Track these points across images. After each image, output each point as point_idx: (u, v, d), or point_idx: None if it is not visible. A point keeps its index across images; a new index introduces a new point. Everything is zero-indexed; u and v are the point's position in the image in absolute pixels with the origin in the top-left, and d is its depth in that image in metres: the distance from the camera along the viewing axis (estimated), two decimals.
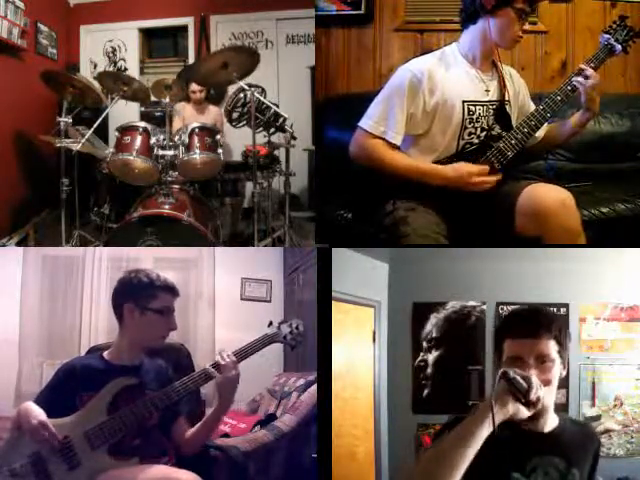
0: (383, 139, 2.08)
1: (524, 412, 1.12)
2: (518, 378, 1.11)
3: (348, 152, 2.19)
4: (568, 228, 1.99)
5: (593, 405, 2.70)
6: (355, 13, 3.37)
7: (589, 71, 2.05)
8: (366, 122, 2.12)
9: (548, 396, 1.20)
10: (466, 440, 1.06)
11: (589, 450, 1.28)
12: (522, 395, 1.11)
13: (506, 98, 2.17)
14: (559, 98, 2.09)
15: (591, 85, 2.04)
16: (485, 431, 1.06)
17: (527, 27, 2.06)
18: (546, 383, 1.19)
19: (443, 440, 1.09)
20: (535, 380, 1.13)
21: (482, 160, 2.07)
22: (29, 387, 3.40)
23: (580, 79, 2.05)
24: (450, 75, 2.10)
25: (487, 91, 2.14)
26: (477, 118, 2.11)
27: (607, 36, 2.14)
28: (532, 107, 2.27)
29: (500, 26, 2.04)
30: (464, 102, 2.09)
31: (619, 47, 2.13)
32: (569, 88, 2.09)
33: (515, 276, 2.73)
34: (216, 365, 1.61)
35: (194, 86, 4.24)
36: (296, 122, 3.64)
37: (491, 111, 2.14)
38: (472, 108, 2.10)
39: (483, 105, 2.12)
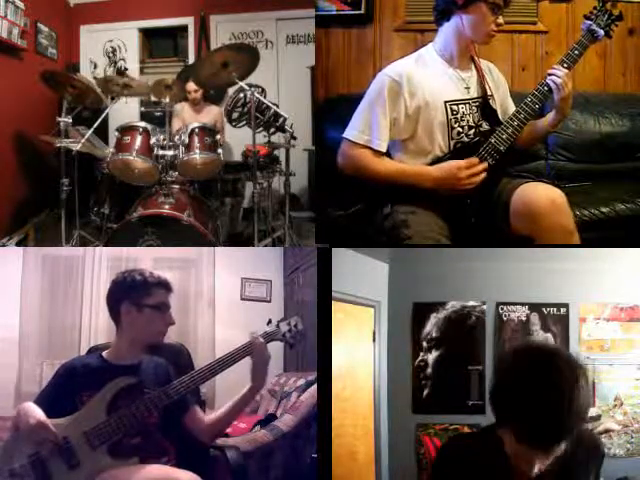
0: (369, 148, 2.07)
1: None
2: None
3: None
4: (559, 227, 1.98)
5: (593, 405, 2.70)
6: (355, 13, 3.37)
7: (561, 71, 2.04)
8: (350, 132, 2.10)
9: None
10: None
11: (594, 463, 1.21)
12: None
13: (488, 93, 2.16)
14: (546, 88, 2.07)
15: (563, 84, 2.02)
16: None
17: (501, 21, 2.04)
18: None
19: None
20: None
21: (475, 157, 2.06)
22: (29, 387, 3.40)
23: (553, 78, 2.04)
24: (429, 76, 2.09)
25: (467, 88, 2.13)
26: (462, 117, 2.11)
27: (589, 22, 2.12)
28: (511, 104, 2.26)
29: (473, 21, 2.03)
30: (446, 102, 2.08)
31: (601, 32, 2.11)
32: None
33: (515, 276, 2.73)
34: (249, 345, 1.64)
35: (190, 86, 4.23)
36: (296, 122, 3.64)
37: (475, 108, 2.13)
38: (455, 107, 2.10)
39: (465, 103, 2.12)
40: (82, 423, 1.51)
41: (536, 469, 1.03)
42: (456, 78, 2.12)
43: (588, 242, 2.09)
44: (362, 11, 3.37)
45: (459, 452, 1.24)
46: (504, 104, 2.27)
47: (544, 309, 2.72)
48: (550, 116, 2.15)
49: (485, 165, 2.04)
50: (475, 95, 2.15)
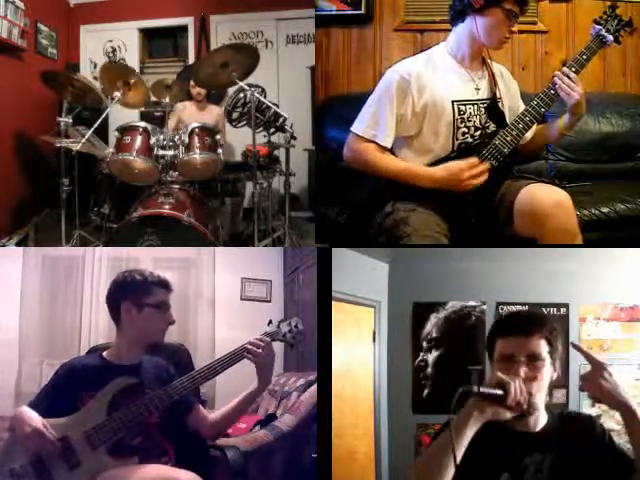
0: (374, 142, 2.08)
1: (505, 414, 1.14)
2: (486, 391, 1.12)
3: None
4: (564, 229, 1.98)
5: (593, 405, 2.70)
6: (355, 13, 3.37)
7: (571, 75, 2.02)
8: (357, 126, 2.12)
9: (537, 395, 1.21)
10: (443, 456, 1.09)
11: (589, 442, 1.27)
12: (500, 400, 1.13)
13: (498, 95, 2.16)
14: (552, 92, 2.06)
15: (571, 88, 2.01)
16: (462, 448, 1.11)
17: (515, 28, 2.04)
18: (534, 380, 1.20)
19: (427, 452, 1.17)
20: (516, 385, 1.14)
21: (478, 158, 2.06)
22: (29, 387, 3.40)
23: (559, 82, 2.03)
24: (438, 75, 2.09)
25: (477, 89, 2.13)
26: (469, 117, 2.10)
27: (598, 27, 2.11)
28: (522, 106, 2.25)
29: (488, 26, 2.02)
30: (454, 102, 2.08)
31: (610, 38, 2.09)
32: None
33: (515, 276, 2.72)
34: (250, 347, 1.63)
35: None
36: (296, 122, 3.64)
37: (483, 109, 2.13)
38: (462, 108, 2.09)
39: (474, 104, 2.11)
40: (82, 423, 1.51)
41: (523, 355, 1.22)
42: (466, 78, 2.12)
43: (588, 242, 2.09)
44: (362, 11, 3.38)
45: None
46: (514, 106, 2.26)
47: (544, 309, 2.72)
48: (565, 118, 2.14)
49: (487, 166, 2.04)
50: (485, 97, 2.14)
